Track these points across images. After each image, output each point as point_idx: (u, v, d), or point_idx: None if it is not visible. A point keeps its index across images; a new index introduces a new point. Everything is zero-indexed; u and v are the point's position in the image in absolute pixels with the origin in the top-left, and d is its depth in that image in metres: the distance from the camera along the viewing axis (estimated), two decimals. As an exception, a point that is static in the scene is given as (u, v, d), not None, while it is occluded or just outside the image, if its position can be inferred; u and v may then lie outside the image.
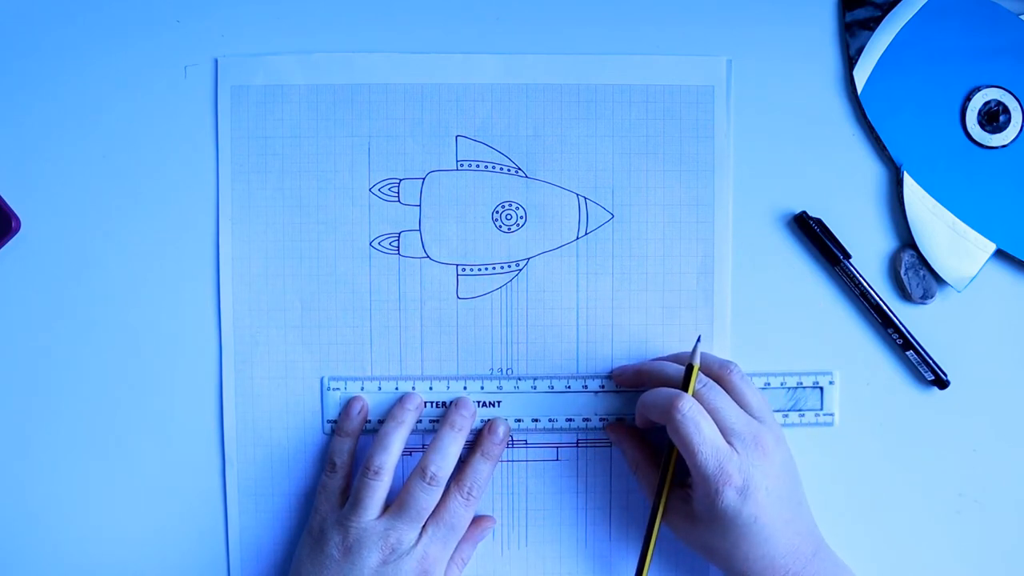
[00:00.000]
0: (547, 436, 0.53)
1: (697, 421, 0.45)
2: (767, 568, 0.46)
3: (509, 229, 0.53)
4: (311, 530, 0.50)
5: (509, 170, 0.52)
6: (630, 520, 0.53)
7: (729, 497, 0.45)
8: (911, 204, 0.52)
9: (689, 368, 0.47)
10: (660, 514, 0.49)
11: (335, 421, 0.52)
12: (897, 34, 0.52)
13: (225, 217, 0.52)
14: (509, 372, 0.53)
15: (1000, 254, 0.53)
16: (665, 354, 0.53)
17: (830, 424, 0.53)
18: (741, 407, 0.47)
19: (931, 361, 0.53)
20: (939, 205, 0.52)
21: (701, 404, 0.46)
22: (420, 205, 0.52)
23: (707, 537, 0.47)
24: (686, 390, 0.47)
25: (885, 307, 0.52)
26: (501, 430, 0.51)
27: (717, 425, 0.46)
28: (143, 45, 0.52)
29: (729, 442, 0.45)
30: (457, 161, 0.52)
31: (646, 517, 0.53)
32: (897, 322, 0.53)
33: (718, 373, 0.48)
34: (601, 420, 0.52)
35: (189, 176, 0.52)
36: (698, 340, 0.48)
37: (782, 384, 0.53)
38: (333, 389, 0.52)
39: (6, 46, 0.52)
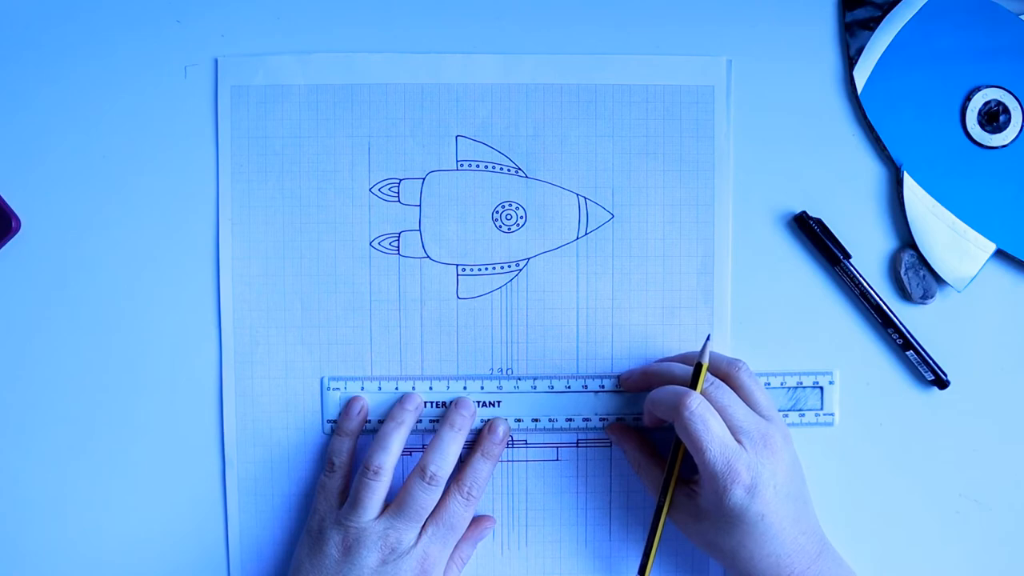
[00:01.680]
0: (547, 436, 0.53)
1: (706, 419, 0.45)
2: (772, 566, 0.46)
3: (509, 229, 0.53)
4: (310, 530, 0.50)
5: (509, 170, 0.52)
6: (630, 520, 0.53)
7: (737, 495, 0.45)
8: (911, 204, 0.52)
9: (697, 367, 0.47)
10: (665, 511, 0.49)
11: (335, 421, 0.52)
12: (897, 34, 0.52)
13: (225, 217, 0.52)
14: (509, 372, 0.53)
15: (1000, 254, 0.53)
16: (665, 354, 0.53)
17: (830, 424, 0.53)
18: (749, 405, 0.47)
19: (931, 361, 0.53)
20: (939, 205, 0.52)
21: (710, 402, 0.46)
22: (420, 205, 0.52)
23: (712, 534, 0.47)
24: (694, 389, 0.47)
25: (885, 307, 0.52)
26: (501, 430, 0.51)
27: (726, 423, 0.46)
28: (143, 45, 0.52)
29: (738, 440, 0.45)
30: (457, 161, 0.52)
31: (647, 517, 0.53)
32: (897, 322, 0.53)
33: (726, 371, 0.48)
34: (601, 420, 0.52)
35: (189, 176, 0.52)
36: (707, 339, 0.48)
37: (782, 384, 0.53)
38: (333, 389, 0.52)
39: (6, 46, 0.52)
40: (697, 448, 0.45)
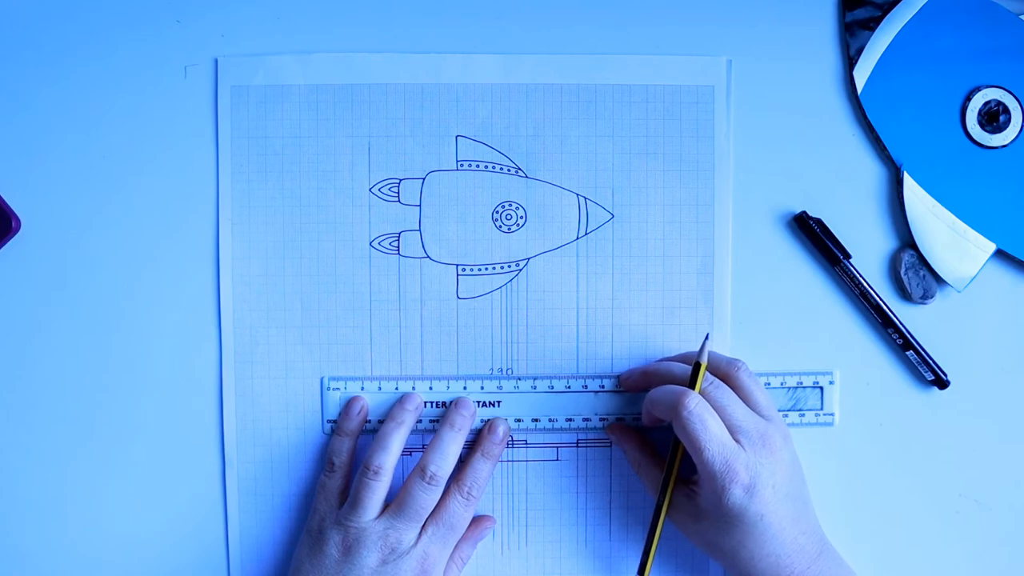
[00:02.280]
0: (547, 436, 0.53)
1: (704, 418, 0.45)
2: (772, 566, 0.46)
3: (509, 229, 0.53)
4: (310, 530, 0.50)
5: (509, 170, 0.52)
6: (630, 520, 0.53)
7: (736, 495, 0.44)
8: (911, 204, 0.52)
9: (696, 366, 0.47)
10: (664, 511, 0.49)
11: (335, 421, 0.52)
12: (897, 34, 0.52)
13: (225, 217, 0.52)
14: (509, 372, 0.53)
15: (1000, 254, 0.53)
16: (665, 354, 0.53)
17: (830, 424, 0.53)
18: (749, 405, 0.47)
19: (931, 361, 0.53)
20: (939, 205, 0.52)
21: (708, 402, 0.46)
22: (420, 205, 0.52)
23: (712, 534, 0.47)
24: (693, 388, 0.47)
25: (885, 307, 0.52)
26: (501, 430, 0.51)
27: (724, 423, 0.46)
28: (143, 45, 0.52)
29: (736, 440, 0.45)
30: (457, 161, 0.52)
31: (647, 517, 0.53)
32: (897, 322, 0.53)
33: (725, 371, 0.48)
34: (601, 420, 0.52)
35: (189, 176, 0.52)
36: (706, 338, 0.48)
37: (782, 384, 0.53)
38: (333, 389, 0.52)
39: (6, 46, 0.52)
40: (695, 448, 0.45)
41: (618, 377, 0.52)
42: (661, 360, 0.52)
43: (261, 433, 0.52)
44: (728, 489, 0.44)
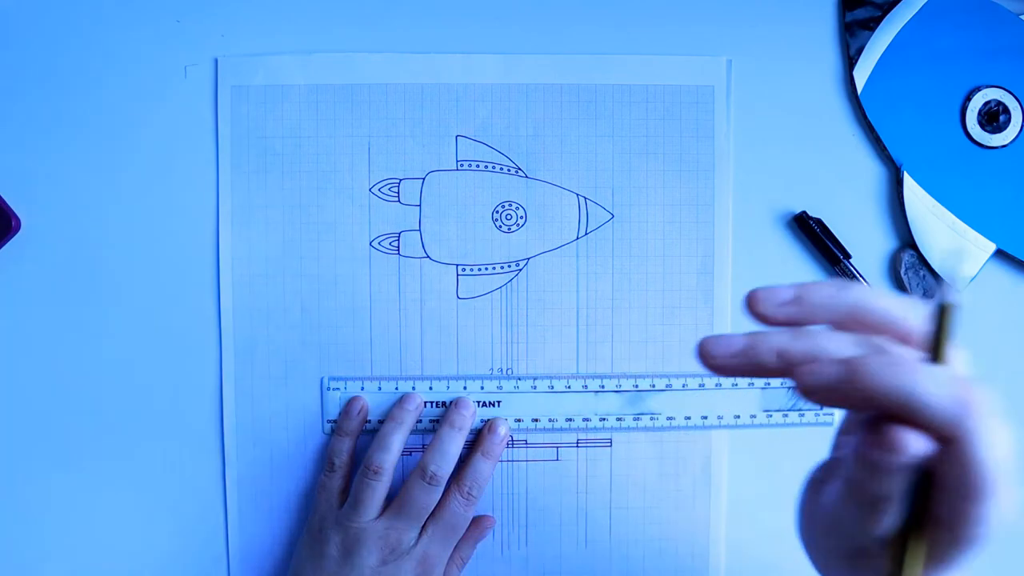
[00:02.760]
0: (547, 436, 0.53)
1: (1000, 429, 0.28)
2: None
3: (509, 229, 0.53)
4: (310, 530, 0.50)
5: (509, 170, 0.52)
6: (630, 520, 0.53)
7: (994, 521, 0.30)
8: (911, 204, 0.52)
9: (943, 312, 0.28)
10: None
11: (335, 421, 0.52)
12: (897, 34, 0.52)
13: (225, 217, 0.52)
14: (509, 372, 0.53)
15: (1000, 254, 0.53)
16: (665, 353, 0.52)
17: (830, 424, 0.53)
18: None
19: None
20: (939, 205, 0.52)
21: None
22: (420, 205, 0.52)
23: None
24: (936, 361, 0.29)
25: (885, 307, 0.52)
26: (501, 429, 0.51)
27: None
28: (143, 45, 0.52)
29: None
30: (457, 161, 0.52)
31: (646, 516, 0.53)
32: (897, 322, 0.52)
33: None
34: (601, 420, 0.52)
35: (189, 176, 0.52)
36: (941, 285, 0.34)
37: (782, 384, 0.53)
38: (333, 389, 0.52)
39: (6, 46, 0.52)
40: (983, 482, 0.28)
41: (701, 345, 0.32)
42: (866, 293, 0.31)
43: (261, 433, 0.52)
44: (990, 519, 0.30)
